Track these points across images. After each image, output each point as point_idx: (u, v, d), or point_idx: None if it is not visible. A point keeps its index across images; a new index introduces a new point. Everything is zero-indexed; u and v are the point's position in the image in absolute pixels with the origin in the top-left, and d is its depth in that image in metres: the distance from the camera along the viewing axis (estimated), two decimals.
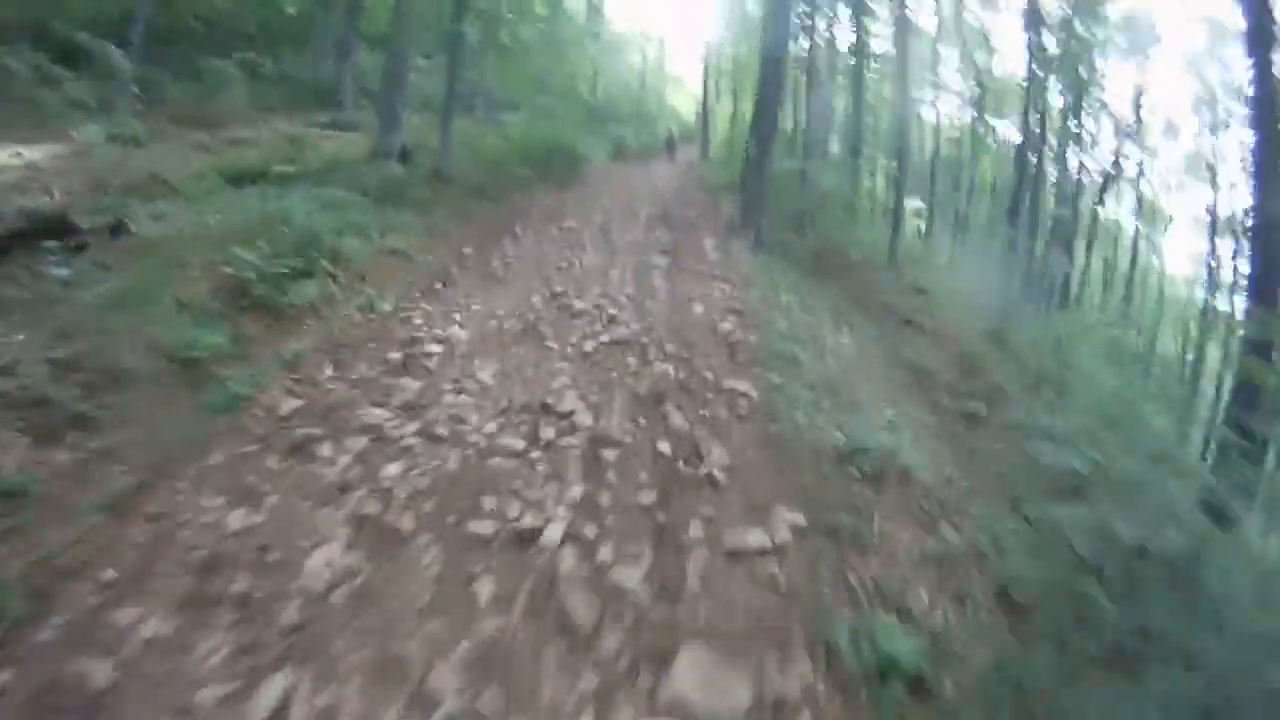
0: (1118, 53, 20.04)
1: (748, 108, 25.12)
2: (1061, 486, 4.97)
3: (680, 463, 3.79)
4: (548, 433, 4.05)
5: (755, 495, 3.59)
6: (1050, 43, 14.66)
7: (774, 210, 11.27)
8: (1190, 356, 24.98)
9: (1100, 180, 20.06)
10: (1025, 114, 13.65)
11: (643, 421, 4.22)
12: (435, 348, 5.29)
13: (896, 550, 3.39)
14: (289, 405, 4.30)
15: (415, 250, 7.94)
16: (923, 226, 22.90)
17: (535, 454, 3.84)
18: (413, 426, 4.09)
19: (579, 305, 6.28)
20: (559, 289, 6.78)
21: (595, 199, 12.67)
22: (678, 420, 4.22)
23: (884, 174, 22.01)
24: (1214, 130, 21.90)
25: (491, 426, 4.13)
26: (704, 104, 25.43)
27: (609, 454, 3.82)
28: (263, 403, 4.31)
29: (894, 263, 13.08)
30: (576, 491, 3.49)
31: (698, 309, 6.41)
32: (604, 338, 5.54)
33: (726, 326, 5.92)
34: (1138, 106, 21.93)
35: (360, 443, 3.90)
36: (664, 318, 6.10)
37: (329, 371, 4.84)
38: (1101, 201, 20.46)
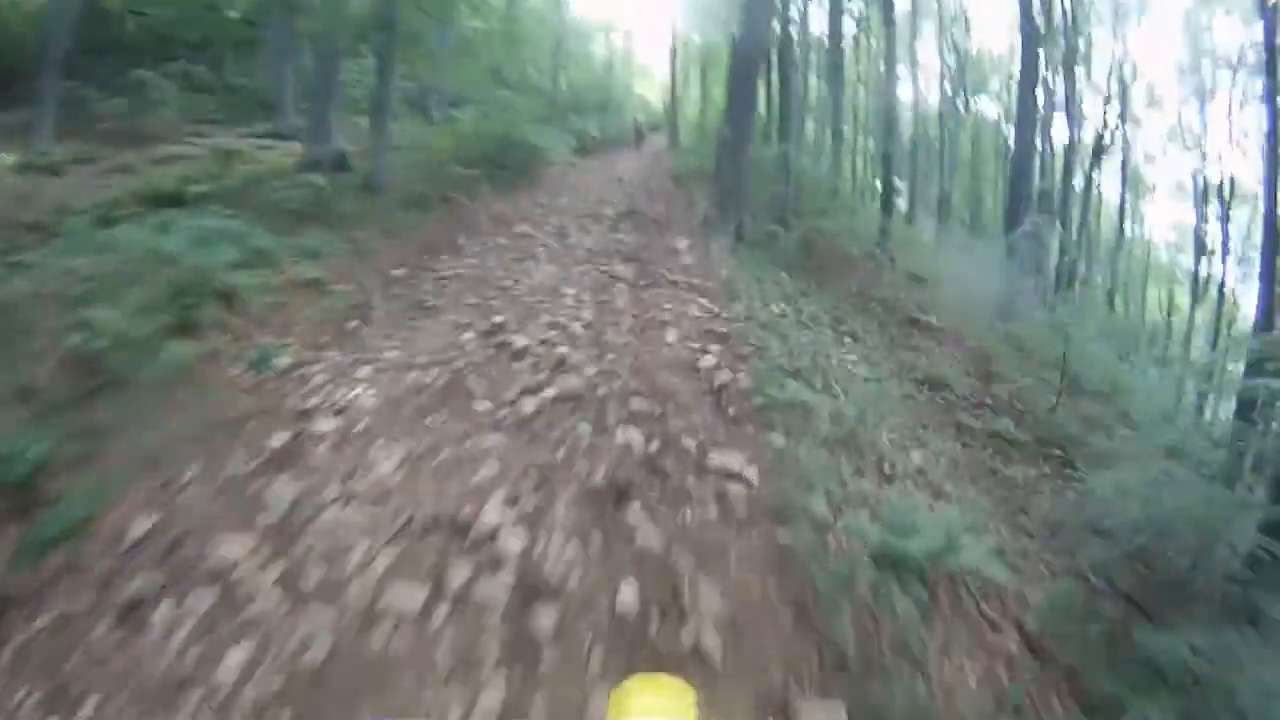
0: (1103, 21, 18.84)
1: (719, 93, 23.72)
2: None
3: (653, 625, 2.42)
4: (459, 573, 2.67)
5: (766, 676, 2.26)
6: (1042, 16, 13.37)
7: (753, 200, 9.93)
8: (1172, 320, 24.35)
9: (1091, 153, 18.83)
10: (1022, 87, 12.37)
11: (596, 542, 2.85)
12: (329, 424, 3.87)
13: None
14: (140, 526, 2.92)
15: (333, 279, 6.49)
16: (903, 206, 21.65)
17: (437, 619, 2.47)
18: (275, 571, 2.70)
19: (521, 342, 4.88)
20: (499, 319, 5.37)
21: (554, 198, 11.22)
22: (648, 536, 2.86)
23: (863, 155, 20.72)
24: (1200, 98, 20.83)
25: (382, 564, 2.74)
26: (672, 90, 23.91)
27: (545, 615, 2.45)
28: (108, 527, 2.93)
29: (886, 250, 11.77)
30: (493, 699, 2.13)
31: (671, 336, 5.03)
32: (550, 391, 4.14)
33: (709, 362, 4.55)
34: (1122, 77, 20.75)
35: (205, 600, 2.53)
36: (629, 354, 4.72)
37: (193, 470, 3.42)
38: (1094, 174, 19.27)
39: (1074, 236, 18.94)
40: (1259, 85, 17.40)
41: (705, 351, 4.73)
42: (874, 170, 20.29)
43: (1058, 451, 6.58)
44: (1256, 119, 17.50)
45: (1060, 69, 16.90)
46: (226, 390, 4.33)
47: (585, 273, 6.78)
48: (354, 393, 4.29)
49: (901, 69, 24.20)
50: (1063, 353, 8.08)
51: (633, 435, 3.66)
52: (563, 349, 4.73)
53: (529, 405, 4.00)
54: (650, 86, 35.54)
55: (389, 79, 9.48)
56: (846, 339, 6.75)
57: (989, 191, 26.43)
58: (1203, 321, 23.24)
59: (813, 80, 20.00)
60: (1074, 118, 17.94)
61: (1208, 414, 18.62)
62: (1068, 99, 17.41)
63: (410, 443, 3.70)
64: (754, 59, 9.67)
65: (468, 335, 5.11)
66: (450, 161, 11.30)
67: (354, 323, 5.57)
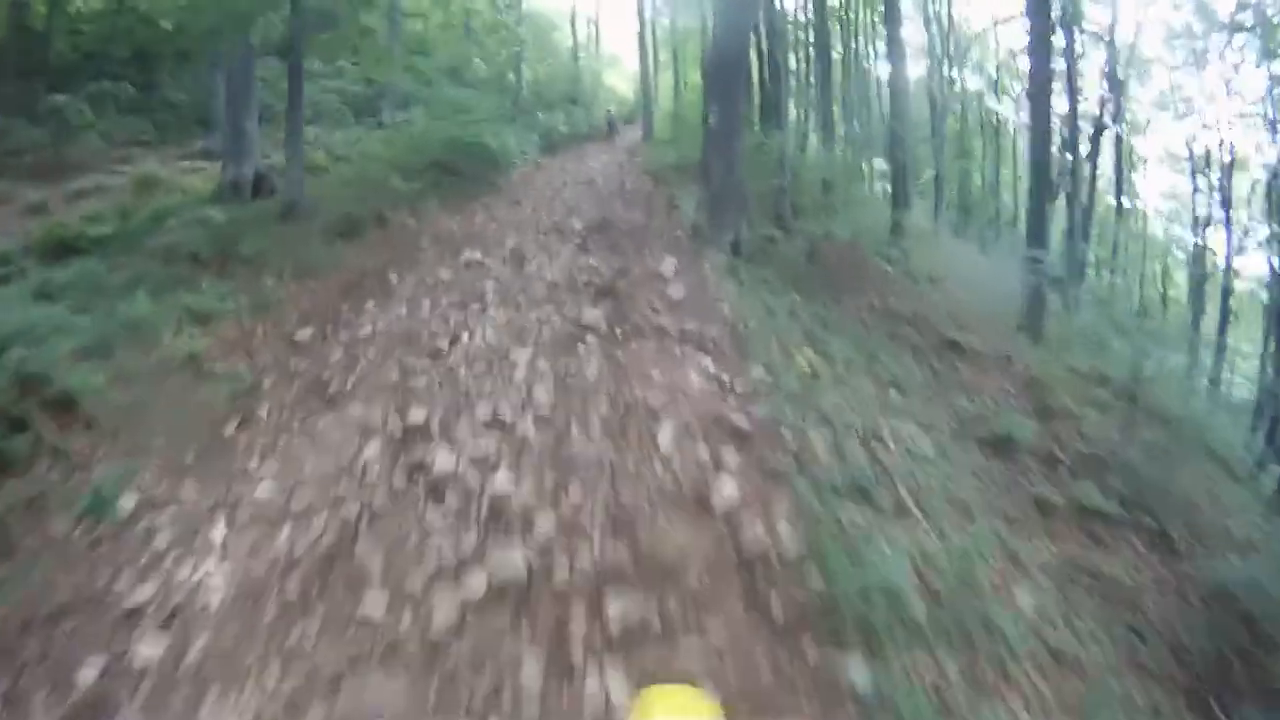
0: None
1: (695, 77, 21.90)
2: None
3: None
4: None
5: None
6: None
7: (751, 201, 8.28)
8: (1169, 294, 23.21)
9: (1092, 127, 17.27)
10: (1035, 58, 10.77)
11: None
12: (153, 647, 2.30)
13: None
14: None
15: (219, 353, 4.84)
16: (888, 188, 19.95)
17: None
18: None
19: (445, 462, 3.22)
20: (419, 414, 3.71)
21: (514, 209, 9.48)
22: None
23: (852, 141, 19.05)
24: (1196, 64, 19.29)
25: None
26: (644, 78, 22.04)
27: None
28: None
29: (901, 250, 10.18)
30: None
31: (666, 437, 3.39)
32: (478, 577, 2.50)
33: (728, 492, 2.91)
34: (1113, 43, 19.15)
35: None
36: (603, 481, 3.07)
37: None
38: (1096, 147, 17.74)
39: (1078, 217, 17.43)
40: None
41: (719, 467, 3.10)
42: (862, 155, 18.58)
43: (1151, 522, 5.06)
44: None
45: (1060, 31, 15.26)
46: (45, 560, 2.78)
47: (544, 320, 5.11)
48: (199, 573, 2.71)
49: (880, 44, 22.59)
50: (1131, 391, 6.58)
51: (615, 685, 2.04)
52: (503, 477, 3.07)
53: (444, 611, 2.36)
54: (621, 76, 33.57)
55: (299, 78, 7.71)
56: (891, 390, 5.15)
57: (976, 169, 24.91)
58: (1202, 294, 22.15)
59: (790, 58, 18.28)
60: (1074, 89, 16.33)
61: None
62: (1069, 67, 15.80)
63: (257, 697, 2.08)
64: (743, 31, 7.98)
65: (372, 449, 3.45)
66: (392, 173, 9.54)
67: (232, 425, 3.92)
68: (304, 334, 5.14)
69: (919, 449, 4.10)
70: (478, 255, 6.99)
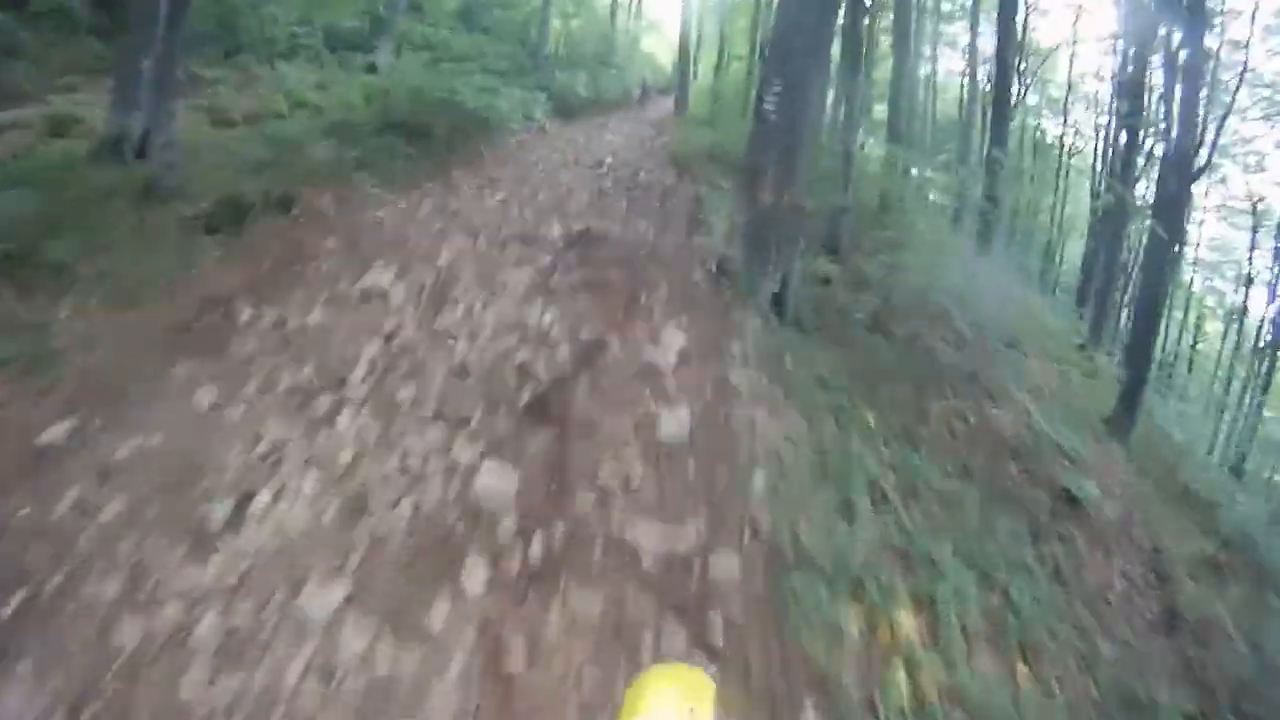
0: None
1: (742, 47, 18.80)
2: None
3: None
4: None
5: None
6: None
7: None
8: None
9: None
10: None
11: None
12: None
13: None
14: None
15: None
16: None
17: None
18: None
19: None
20: None
21: (479, 198, 6.74)
22: None
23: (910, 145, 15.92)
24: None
25: None
26: (682, 44, 18.88)
27: None
28: None
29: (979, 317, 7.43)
30: None
31: None
32: None
33: None
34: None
35: None
36: None
37: None
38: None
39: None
40: None
41: None
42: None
43: None
44: None
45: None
46: None
47: (412, 478, 2.52)
48: None
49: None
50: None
51: None
52: None
53: None
54: (660, 43, 30.10)
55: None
56: (1019, 662, 2.55)
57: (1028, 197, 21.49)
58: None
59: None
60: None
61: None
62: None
63: None
64: None
65: None
66: (327, 134, 6.85)
67: None
68: (54, 434, 2.59)
69: None
70: (387, 279, 4.36)
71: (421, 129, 7.75)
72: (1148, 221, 10.02)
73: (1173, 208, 9.15)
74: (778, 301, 4.86)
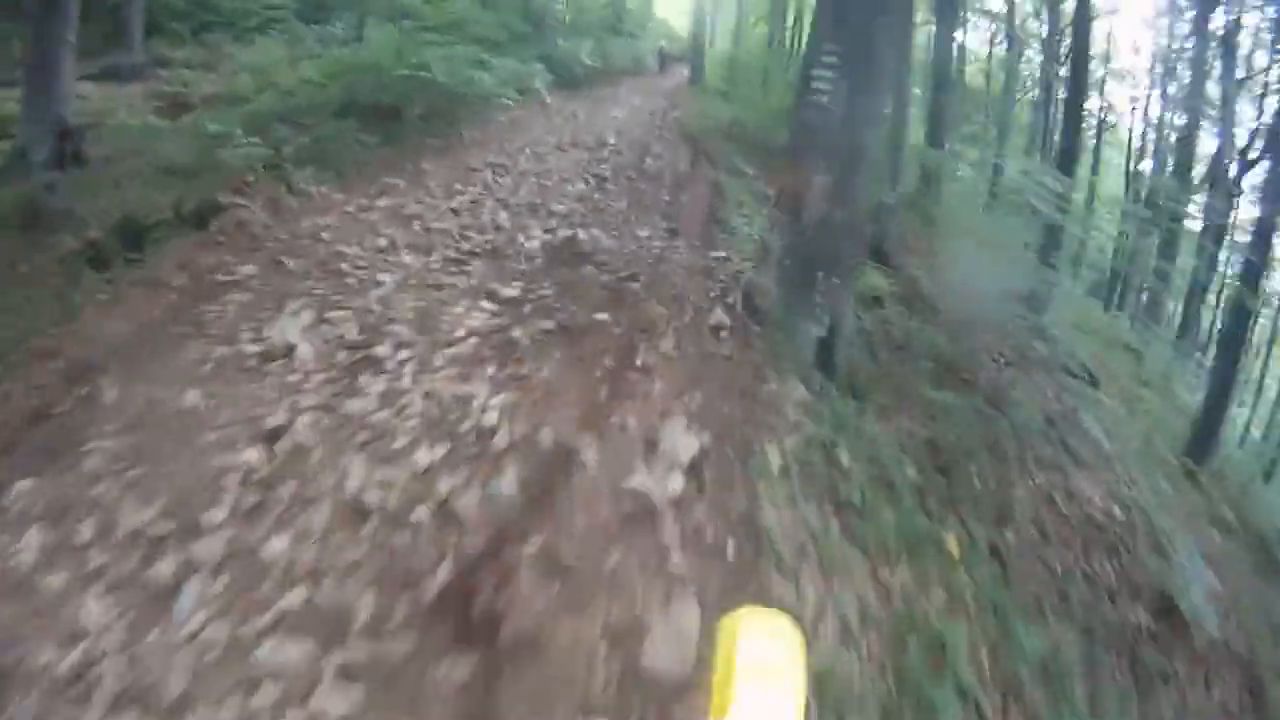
0: None
1: (763, 4, 17.08)
2: None
3: None
4: None
5: None
6: None
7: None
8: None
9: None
10: None
11: None
12: None
13: None
14: None
15: None
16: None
17: None
18: None
19: None
20: None
21: (449, 194, 5.43)
22: None
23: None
24: None
25: None
26: (697, 8, 17.13)
27: None
28: None
29: (1045, 333, 6.12)
30: None
31: None
32: None
33: None
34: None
35: None
36: None
37: None
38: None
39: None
40: None
41: None
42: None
43: None
44: None
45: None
46: None
47: None
48: None
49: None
50: None
51: None
52: None
53: None
54: (677, 8, 28.04)
55: None
56: None
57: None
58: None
59: None
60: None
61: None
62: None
63: None
64: None
65: None
66: (280, 121, 5.59)
67: None
68: None
69: None
70: (298, 328, 3.14)
71: (388, 111, 6.44)
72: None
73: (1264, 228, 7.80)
74: (824, 351, 3.58)
